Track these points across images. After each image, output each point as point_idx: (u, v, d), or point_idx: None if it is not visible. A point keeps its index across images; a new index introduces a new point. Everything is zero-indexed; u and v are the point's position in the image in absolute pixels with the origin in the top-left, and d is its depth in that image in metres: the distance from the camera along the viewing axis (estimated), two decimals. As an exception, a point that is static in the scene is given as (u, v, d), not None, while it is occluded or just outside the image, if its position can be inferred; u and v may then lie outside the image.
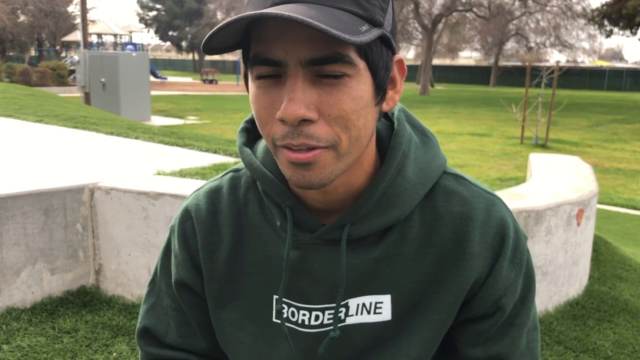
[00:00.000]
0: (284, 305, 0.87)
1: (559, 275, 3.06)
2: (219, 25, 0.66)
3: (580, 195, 3.16)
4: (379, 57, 0.72)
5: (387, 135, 0.85)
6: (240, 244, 0.90)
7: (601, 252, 3.80)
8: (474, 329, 0.88)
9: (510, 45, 45.99)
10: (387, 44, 0.74)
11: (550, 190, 3.22)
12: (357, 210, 0.81)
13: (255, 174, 0.86)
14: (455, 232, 0.84)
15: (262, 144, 0.90)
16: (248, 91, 0.79)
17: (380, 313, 0.85)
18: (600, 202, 7.22)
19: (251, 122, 0.94)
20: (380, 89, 0.75)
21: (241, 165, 0.93)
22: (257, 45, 0.70)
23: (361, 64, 0.70)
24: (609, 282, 3.42)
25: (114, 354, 2.49)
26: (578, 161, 4.32)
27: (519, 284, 0.87)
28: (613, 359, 2.56)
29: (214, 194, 0.92)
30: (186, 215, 0.94)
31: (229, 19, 0.65)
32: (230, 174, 0.94)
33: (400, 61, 0.79)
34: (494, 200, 0.86)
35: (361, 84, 0.71)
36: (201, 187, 0.96)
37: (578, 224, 3.12)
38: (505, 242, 0.84)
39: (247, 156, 0.87)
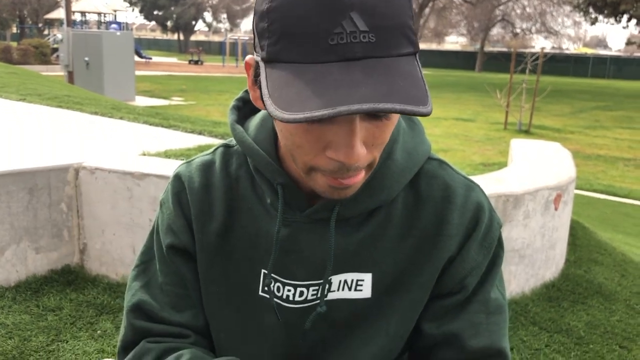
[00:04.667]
0: (271, 281, 0.89)
1: (536, 259, 3.14)
2: (315, 115, 0.61)
3: (558, 181, 3.23)
4: None
5: None
6: (231, 219, 0.91)
7: (578, 236, 3.89)
8: (435, 305, 0.91)
9: (496, 30, 46.13)
10: None
11: (529, 176, 3.29)
12: None
13: (248, 151, 0.88)
14: (436, 215, 0.87)
15: (254, 122, 0.91)
16: (254, 84, 0.77)
17: (361, 290, 0.88)
18: (580, 188, 7.34)
19: (242, 100, 0.95)
20: None
21: (232, 140, 0.94)
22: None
23: None
24: (584, 266, 3.51)
25: (99, 332, 2.53)
26: (558, 147, 4.39)
27: (484, 267, 0.90)
28: (585, 339, 2.65)
29: (206, 168, 0.94)
30: (180, 185, 0.94)
31: (333, 111, 0.60)
32: (221, 149, 0.95)
33: None
34: (473, 186, 0.90)
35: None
36: (192, 160, 0.97)
37: (555, 209, 3.19)
38: (478, 224, 0.88)
39: (239, 133, 0.89)
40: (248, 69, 0.78)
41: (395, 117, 0.73)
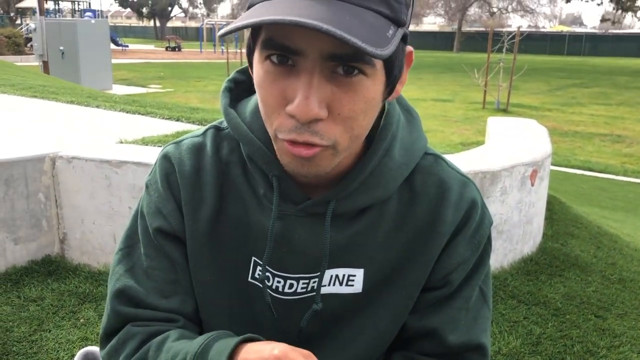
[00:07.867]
0: (267, 274, 0.87)
1: (514, 234, 3.19)
2: (244, 23, 0.62)
3: (534, 157, 3.27)
4: (396, 56, 0.71)
5: None
6: (221, 206, 0.88)
7: (555, 211, 3.96)
8: (419, 298, 0.90)
9: (473, 10, 46.35)
10: (404, 40, 0.73)
11: (506, 152, 3.33)
12: (344, 188, 0.81)
13: (243, 139, 0.84)
14: (430, 212, 0.86)
15: (249, 107, 0.87)
16: (251, 67, 0.76)
17: (352, 285, 0.87)
18: (557, 164, 7.44)
19: (233, 81, 0.91)
20: (391, 85, 0.75)
21: (223, 122, 0.91)
22: (274, 29, 0.67)
23: (378, 64, 0.69)
24: (561, 239, 3.58)
25: (82, 320, 2.53)
26: (534, 124, 4.44)
27: (472, 264, 0.89)
28: (562, 310, 2.71)
29: (197, 151, 0.89)
30: (169, 166, 0.90)
31: (259, 20, 0.61)
32: (212, 131, 0.91)
33: (410, 53, 0.78)
34: (467, 182, 0.89)
35: (376, 84, 0.70)
36: (181, 140, 0.92)
37: (532, 184, 3.24)
38: (469, 221, 0.87)
39: (233, 119, 0.85)
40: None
41: (364, 88, 0.69)
